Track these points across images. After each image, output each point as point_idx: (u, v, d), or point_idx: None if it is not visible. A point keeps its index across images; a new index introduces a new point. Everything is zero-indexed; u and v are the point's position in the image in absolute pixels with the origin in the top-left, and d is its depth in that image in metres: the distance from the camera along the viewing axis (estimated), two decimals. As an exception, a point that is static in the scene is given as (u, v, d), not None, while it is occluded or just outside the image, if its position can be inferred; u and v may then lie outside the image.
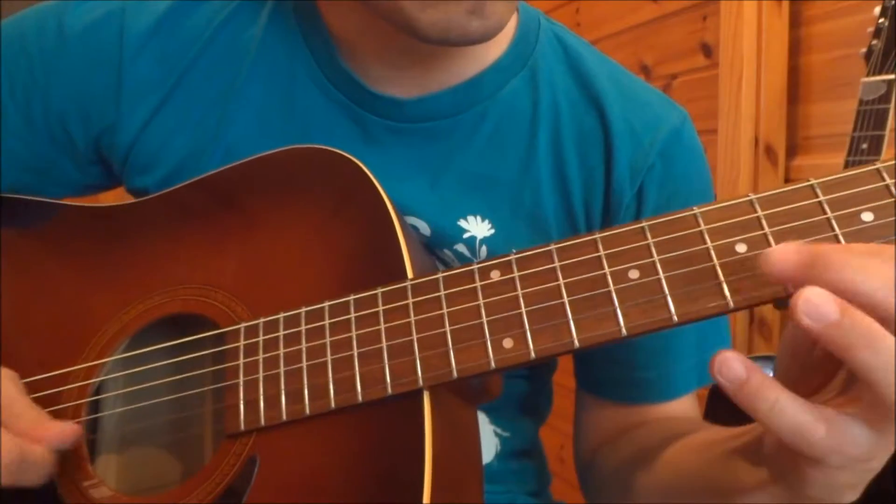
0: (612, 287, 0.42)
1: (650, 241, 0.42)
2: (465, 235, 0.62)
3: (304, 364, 0.48)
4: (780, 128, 1.36)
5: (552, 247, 0.45)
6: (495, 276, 0.45)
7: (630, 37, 1.70)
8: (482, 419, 0.67)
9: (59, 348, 0.57)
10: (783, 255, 0.35)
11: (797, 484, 0.39)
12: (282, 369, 0.48)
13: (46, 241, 0.63)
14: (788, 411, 0.35)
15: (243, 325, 0.51)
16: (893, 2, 1.01)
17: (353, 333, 0.47)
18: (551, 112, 0.63)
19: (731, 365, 0.35)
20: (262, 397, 0.48)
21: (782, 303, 0.38)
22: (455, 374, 0.44)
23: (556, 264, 0.44)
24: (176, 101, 0.64)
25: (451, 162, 0.63)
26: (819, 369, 0.39)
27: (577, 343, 0.42)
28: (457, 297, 0.46)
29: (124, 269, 0.58)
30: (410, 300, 0.47)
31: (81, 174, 0.68)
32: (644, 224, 0.43)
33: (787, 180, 1.36)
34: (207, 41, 0.64)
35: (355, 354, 0.47)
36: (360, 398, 0.46)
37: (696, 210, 0.42)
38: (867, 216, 0.38)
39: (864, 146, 1.01)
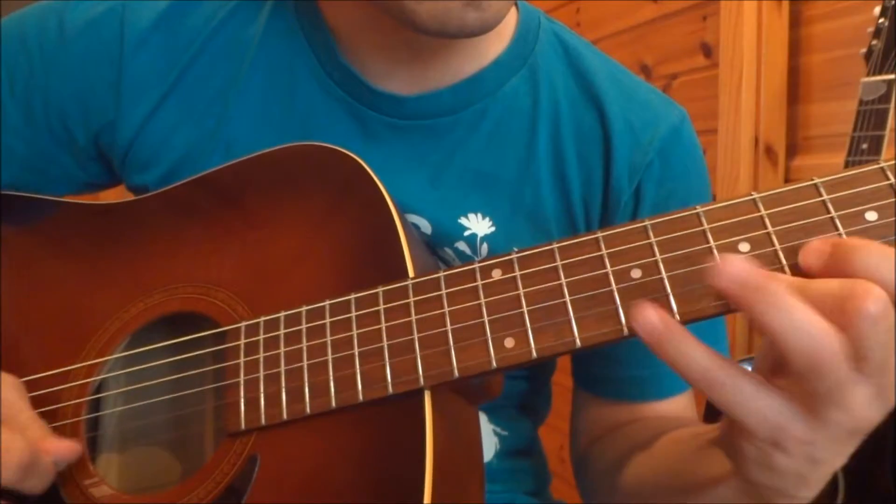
0: (614, 286, 0.42)
1: (652, 240, 0.42)
2: (466, 233, 0.62)
3: (305, 363, 0.48)
4: (780, 128, 1.35)
5: (554, 245, 0.45)
6: (497, 274, 0.45)
7: (630, 37, 1.70)
8: (481, 418, 0.67)
9: (59, 346, 0.57)
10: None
11: (740, 462, 0.39)
12: (282, 368, 0.48)
13: (46, 239, 0.62)
14: (697, 356, 0.36)
15: (244, 323, 0.51)
16: (893, 2, 1.01)
17: (354, 332, 0.47)
18: (551, 110, 0.64)
19: (646, 313, 0.37)
20: (262, 396, 0.48)
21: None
22: (456, 373, 0.44)
23: (558, 263, 0.44)
24: (176, 97, 0.63)
25: (452, 159, 0.63)
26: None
27: (578, 342, 0.42)
28: (458, 295, 0.46)
29: (125, 266, 0.58)
30: (411, 299, 0.46)
31: (82, 171, 0.68)
32: (646, 223, 0.43)
33: (787, 180, 1.36)
34: (208, 38, 0.64)
35: (356, 353, 0.46)
36: (360, 397, 0.46)
37: (699, 209, 0.42)
38: (871, 215, 0.38)
39: (864, 146, 1.01)
